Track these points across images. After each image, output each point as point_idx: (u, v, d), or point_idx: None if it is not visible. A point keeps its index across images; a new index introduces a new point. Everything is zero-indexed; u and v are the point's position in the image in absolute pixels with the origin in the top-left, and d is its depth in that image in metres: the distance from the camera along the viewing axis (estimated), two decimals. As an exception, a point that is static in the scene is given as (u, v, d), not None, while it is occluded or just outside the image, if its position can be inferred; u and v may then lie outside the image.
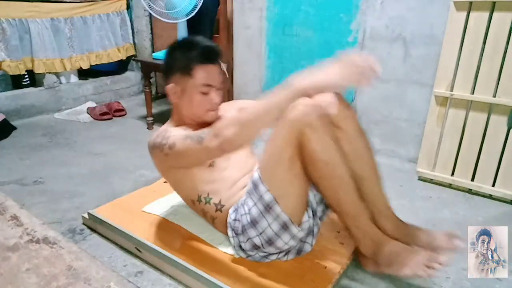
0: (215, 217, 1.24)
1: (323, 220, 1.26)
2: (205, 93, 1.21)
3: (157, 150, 1.19)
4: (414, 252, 1.08)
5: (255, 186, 1.11)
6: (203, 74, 1.19)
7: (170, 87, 1.24)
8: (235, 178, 1.25)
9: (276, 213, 1.07)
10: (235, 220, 1.17)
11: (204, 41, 1.23)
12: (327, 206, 1.21)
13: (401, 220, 1.23)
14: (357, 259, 1.22)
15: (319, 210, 1.20)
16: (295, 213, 1.09)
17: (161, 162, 1.23)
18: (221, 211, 1.22)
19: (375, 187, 1.20)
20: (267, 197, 1.07)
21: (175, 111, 1.30)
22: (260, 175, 1.10)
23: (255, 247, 1.15)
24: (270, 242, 1.11)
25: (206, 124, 1.22)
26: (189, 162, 1.18)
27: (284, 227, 1.08)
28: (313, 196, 1.16)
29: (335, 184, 1.06)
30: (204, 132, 1.07)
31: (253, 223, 1.11)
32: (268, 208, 1.08)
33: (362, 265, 1.19)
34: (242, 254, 1.20)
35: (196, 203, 1.26)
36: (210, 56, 1.20)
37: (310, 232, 1.16)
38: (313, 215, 1.15)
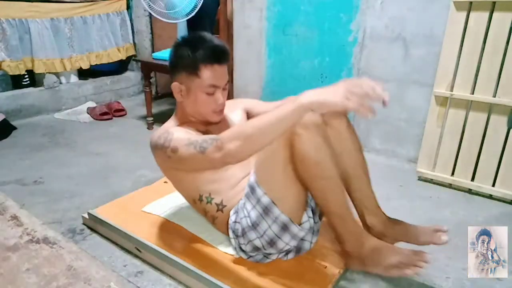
0: (216, 217, 1.24)
1: (323, 220, 1.26)
2: (210, 94, 1.17)
3: (159, 151, 1.17)
4: (397, 251, 1.09)
5: (252, 189, 1.11)
6: (209, 74, 1.15)
7: (175, 85, 1.20)
8: (238, 177, 1.25)
9: (275, 215, 1.07)
10: (235, 222, 1.17)
11: (212, 40, 1.18)
12: None
13: (389, 218, 1.24)
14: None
15: (319, 209, 1.20)
16: (294, 213, 1.09)
17: (163, 162, 1.22)
18: (222, 212, 1.22)
19: (364, 186, 1.22)
20: (265, 200, 1.08)
21: (180, 108, 1.27)
22: (256, 178, 1.10)
23: (256, 248, 1.15)
24: (271, 243, 1.11)
25: (210, 123, 1.23)
26: (192, 168, 1.17)
27: (284, 227, 1.08)
28: (311, 196, 1.17)
29: (324, 185, 1.05)
30: (207, 141, 1.04)
31: (253, 225, 1.11)
32: (266, 210, 1.08)
33: (346, 266, 1.18)
34: (243, 255, 1.20)
35: (197, 202, 1.25)
36: (218, 56, 1.16)
37: (310, 230, 1.16)
38: (312, 214, 1.15)
